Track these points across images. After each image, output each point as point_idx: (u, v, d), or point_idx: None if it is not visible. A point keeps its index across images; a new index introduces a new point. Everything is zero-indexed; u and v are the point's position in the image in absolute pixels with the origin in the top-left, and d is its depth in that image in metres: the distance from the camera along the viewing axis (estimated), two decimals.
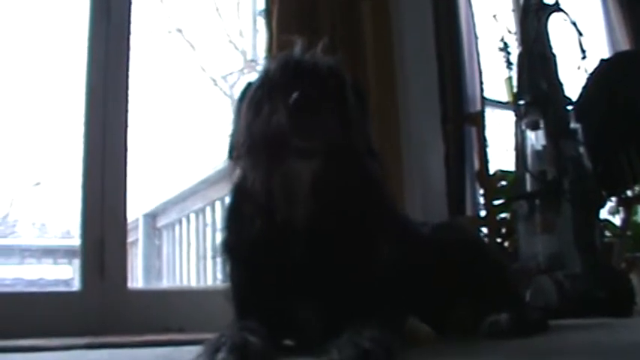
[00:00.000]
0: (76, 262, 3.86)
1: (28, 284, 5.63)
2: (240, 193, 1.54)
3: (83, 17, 2.77)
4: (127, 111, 2.76)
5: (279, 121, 1.38)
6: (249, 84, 1.59)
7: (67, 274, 5.92)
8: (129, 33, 2.81)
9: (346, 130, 1.45)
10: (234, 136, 1.57)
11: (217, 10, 7.25)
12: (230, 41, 7.15)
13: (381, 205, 1.56)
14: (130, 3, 2.83)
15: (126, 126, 2.75)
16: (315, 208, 1.44)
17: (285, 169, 1.40)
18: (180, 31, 7.08)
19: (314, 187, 1.42)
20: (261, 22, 2.96)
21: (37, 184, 6.80)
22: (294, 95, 1.35)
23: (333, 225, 1.44)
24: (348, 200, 1.46)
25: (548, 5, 3.25)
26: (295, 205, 1.44)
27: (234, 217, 1.57)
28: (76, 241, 2.89)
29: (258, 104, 1.49)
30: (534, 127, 3.06)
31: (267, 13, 2.85)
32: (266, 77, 1.53)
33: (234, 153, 1.54)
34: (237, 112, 1.58)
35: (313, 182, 1.41)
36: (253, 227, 1.48)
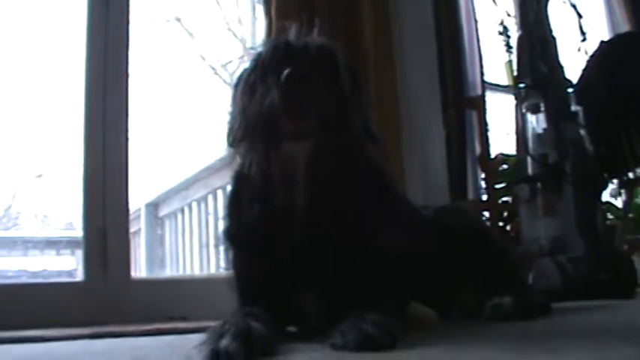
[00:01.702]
0: (79, 253, 3.86)
1: (31, 276, 5.63)
2: (240, 179, 1.54)
3: (82, 6, 2.77)
4: (127, 101, 2.76)
5: (272, 103, 1.38)
6: (244, 70, 1.59)
7: (70, 265, 5.93)
8: (128, 22, 2.80)
9: (340, 109, 1.44)
10: (231, 121, 1.57)
11: None
12: (229, 29, 7.14)
13: (380, 186, 1.56)
14: None
15: (126, 116, 2.75)
16: (313, 190, 1.44)
17: (280, 151, 1.40)
18: (179, 19, 7.06)
19: (310, 168, 1.42)
20: (260, 10, 2.95)
21: (39, 175, 6.80)
22: (285, 72, 1.35)
23: (333, 208, 1.44)
24: (346, 182, 1.46)
25: None
26: (293, 188, 1.44)
27: (235, 205, 1.57)
28: (78, 232, 2.89)
29: (251, 88, 1.49)
30: (535, 110, 3.05)
31: (266, 0, 2.84)
32: (258, 61, 1.53)
33: (232, 139, 1.54)
34: (233, 98, 1.58)
35: (308, 164, 1.41)
36: (253, 213, 1.48)
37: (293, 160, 1.41)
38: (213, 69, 7.00)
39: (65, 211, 7.03)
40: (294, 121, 1.37)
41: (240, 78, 1.59)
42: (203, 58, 7.13)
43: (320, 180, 1.43)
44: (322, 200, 1.44)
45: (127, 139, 2.74)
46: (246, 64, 1.61)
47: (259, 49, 1.60)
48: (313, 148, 1.40)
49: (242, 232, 1.54)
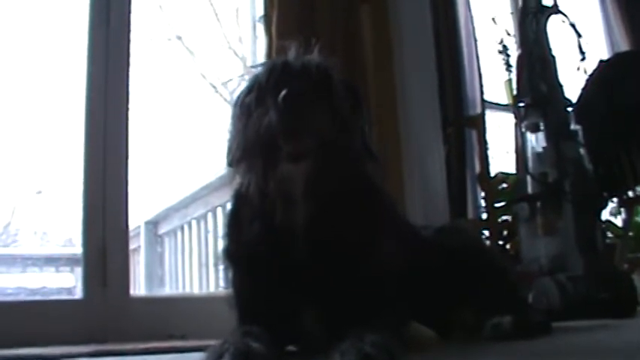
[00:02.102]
0: (79, 271, 3.86)
1: (30, 293, 5.62)
2: (239, 198, 1.54)
3: (83, 25, 2.78)
4: (127, 118, 2.77)
5: (269, 124, 1.38)
6: (243, 89, 1.60)
7: (69, 283, 5.92)
8: (129, 40, 2.81)
9: (337, 129, 1.44)
10: (230, 141, 1.57)
11: (216, 16, 7.26)
12: (230, 48, 7.16)
13: (379, 205, 1.56)
14: (129, 10, 2.83)
15: (127, 133, 2.76)
16: (312, 209, 1.44)
17: (278, 172, 1.40)
18: (179, 38, 7.09)
19: (308, 188, 1.42)
20: (261, 29, 2.96)
21: (39, 192, 6.80)
22: (282, 93, 1.35)
23: (332, 227, 1.44)
24: (345, 200, 1.46)
25: (547, 7, 3.25)
26: (292, 209, 1.44)
27: (235, 223, 1.57)
28: (78, 249, 2.89)
29: (249, 108, 1.50)
30: (534, 129, 3.06)
31: (266, 19, 2.85)
32: (256, 81, 1.53)
33: (231, 159, 1.54)
34: (232, 118, 1.59)
35: (307, 184, 1.41)
36: (252, 232, 1.49)
37: (291, 180, 1.41)
38: (214, 87, 7.02)
39: (64, 228, 7.03)
40: (292, 142, 1.37)
41: (238, 98, 1.59)
42: (204, 77, 7.16)
43: (319, 199, 1.43)
44: (321, 219, 1.44)
45: (127, 157, 2.74)
46: (246, 82, 1.62)
47: (257, 69, 1.60)
48: (311, 168, 1.40)
49: (241, 250, 1.54)
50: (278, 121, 1.36)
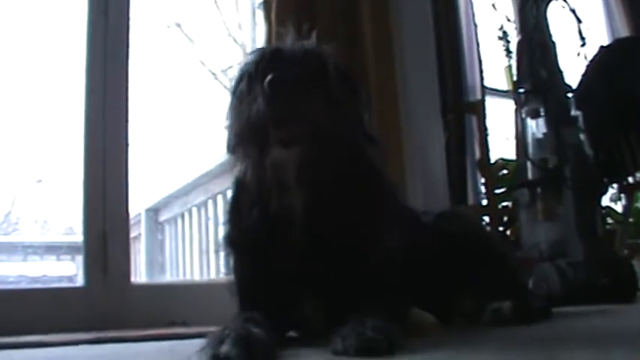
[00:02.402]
0: (79, 259, 3.86)
1: (31, 281, 5.63)
2: (239, 185, 1.54)
3: (82, 12, 2.77)
4: (127, 106, 2.76)
5: (258, 110, 1.38)
6: (236, 76, 1.60)
7: (70, 271, 5.93)
8: (128, 28, 2.81)
9: (331, 114, 1.44)
10: (228, 128, 1.57)
11: (216, 3, 7.24)
12: (229, 35, 7.14)
13: (378, 191, 1.56)
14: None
15: (126, 121, 2.75)
16: (308, 195, 1.44)
17: (269, 158, 1.40)
18: (179, 25, 7.07)
19: (301, 175, 1.41)
20: (260, 15, 2.95)
21: (39, 181, 6.81)
22: (267, 78, 1.35)
23: (329, 214, 1.44)
24: (343, 186, 1.46)
25: None
26: (288, 194, 1.44)
27: (235, 210, 1.57)
28: (78, 237, 2.89)
29: (241, 95, 1.50)
30: (535, 115, 3.05)
31: (266, 5, 2.85)
32: (246, 69, 1.53)
33: (229, 146, 1.54)
34: (229, 105, 1.59)
35: (299, 170, 1.41)
36: (251, 218, 1.49)
37: (283, 166, 1.41)
38: (214, 74, 7.00)
39: (65, 216, 7.03)
40: (281, 128, 1.37)
41: (232, 85, 1.59)
42: (203, 64, 7.13)
43: (314, 185, 1.43)
44: (318, 205, 1.44)
45: (127, 144, 2.74)
46: (238, 70, 1.62)
47: (251, 56, 1.60)
48: (302, 154, 1.39)
49: (242, 237, 1.54)
50: (265, 107, 1.36)
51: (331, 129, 1.42)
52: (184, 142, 6.89)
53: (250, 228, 1.49)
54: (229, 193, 1.64)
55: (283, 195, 1.44)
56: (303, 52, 1.51)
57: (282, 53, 1.51)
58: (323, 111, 1.42)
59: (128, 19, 2.82)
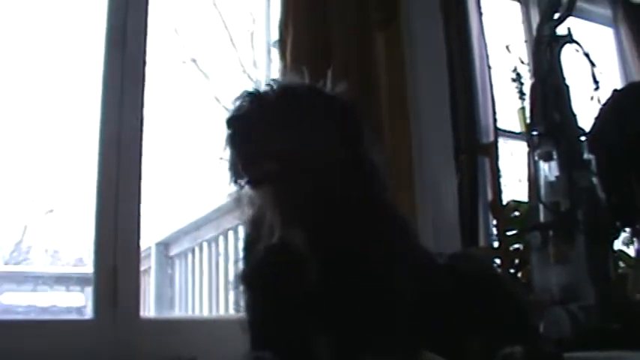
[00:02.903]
0: (89, 290, 3.86)
1: (41, 311, 5.64)
2: (250, 222, 1.55)
3: (99, 47, 2.80)
4: (141, 140, 2.77)
5: (232, 152, 1.39)
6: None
7: (79, 302, 5.93)
8: (144, 64, 2.83)
9: (306, 148, 1.43)
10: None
11: (231, 40, 7.31)
12: (244, 71, 7.20)
13: (387, 225, 1.55)
14: (145, 33, 2.85)
15: (140, 154, 2.76)
16: (304, 230, 1.43)
17: (248, 198, 1.41)
18: (194, 61, 7.13)
19: (280, 212, 1.41)
20: (275, 53, 2.98)
21: (51, 211, 6.83)
22: (227, 117, 1.36)
23: (331, 247, 1.43)
24: (347, 222, 1.45)
25: (560, 36, 3.26)
26: (286, 229, 1.44)
27: (247, 246, 1.58)
28: (88, 268, 2.89)
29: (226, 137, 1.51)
30: (547, 157, 3.05)
31: (281, 44, 2.87)
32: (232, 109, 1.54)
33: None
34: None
35: (277, 207, 1.41)
36: (258, 255, 1.49)
37: (263, 204, 1.42)
38: (228, 110, 7.04)
39: (76, 247, 7.04)
40: (248, 167, 1.38)
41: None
42: (218, 100, 7.19)
43: (304, 220, 1.42)
44: (320, 238, 1.43)
45: (139, 178, 2.75)
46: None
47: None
48: (275, 193, 1.39)
49: (251, 273, 1.55)
50: (229, 148, 1.37)
51: (311, 166, 1.41)
52: (197, 177, 6.91)
53: (258, 264, 1.49)
54: (241, 230, 1.65)
55: (283, 230, 1.44)
56: (281, 89, 1.51)
57: (256, 92, 1.52)
58: (299, 148, 1.41)
59: (145, 53, 2.84)
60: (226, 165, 1.45)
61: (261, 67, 3.47)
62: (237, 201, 1.54)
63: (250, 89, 1.54)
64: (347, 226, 1.45)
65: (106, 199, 2.67)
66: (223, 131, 1.42)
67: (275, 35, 3.02)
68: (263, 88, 1.53)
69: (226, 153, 1.41)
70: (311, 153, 1.43)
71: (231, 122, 1.37)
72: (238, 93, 1.58)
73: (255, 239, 1.52)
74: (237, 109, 1.44)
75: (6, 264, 6.73)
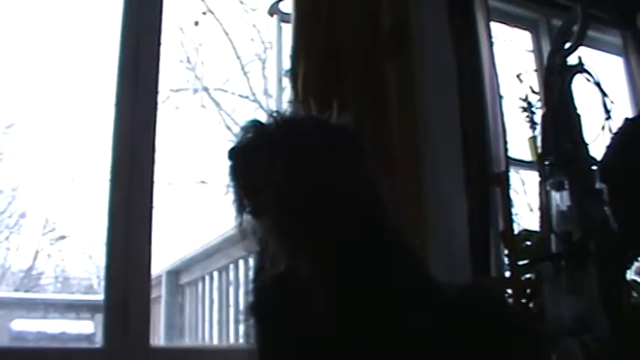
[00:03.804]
0: (99, 317, 3.86)
1: (51, 339, 5.64)
2: (256, 253, 1.55)
3: (111, 76, 2.83)
4: (153, 167, 2.79)
5: (234, 183, 1.40)
6: None
7: (89, 329, 5.94)
8: (156, 92, 2.85)
9: (304, 179, 1.43)
10: None
11: (243, 69, 7.35)
12: (255, 100, 7.23)
13: (394, 256, 1.54)
14: (158, 60, 2.88)
15: (152, 182, 2.77)
16: (307, 261, 1.43)
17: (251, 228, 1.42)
18: (206, 89, 7.18)
19: (281, 243, 1.42)
20: (287, 83, 2.99)
21: (62, 237, 6.85)
22: (228, 149, 1.38)
23: (336, 278, 1.43)
24: (345, 250, 1.44)
25: (571, 66, 3.27)
26: (292, 261, 1.44)
27: (256, 277, 1.58)
28: (98, 296, 2.89)
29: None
30: (559, 187, 3.05)
31: (293, 74, 2.88)
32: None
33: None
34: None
35: (277, 238, 1.41)
36: (265, 285, 1.49)
37: (265, 234, 1.42)
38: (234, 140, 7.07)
39: (86, 275, 7.05)
40: (249, 198, 1.39)
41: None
42: (229, 129, 7.22)
43: (305, 251, 1.42)
44: (325, 270, 1.43)
45: (151, 206, 2.76)
46: None
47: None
48: (272, 223, 1.40)
49: (259, 303, 1.55)
50: (230, 178, 1.39)
51: (307, 193, 1.41)
52: (208, 206, 6.93)
53: (263, 294, 1.49)
54: (251, 259, 1.65)
55: (287, 260, 1.44)
56: (284, 120, 1.52)
57: (261, 124, 1.53)
58: (296, 176, 1.41)
59: (157, 81, 2.86)
60: (231, 195, 1.46)
61: (273, 95, 3.49)
62: (242, 231, 1.53)
63: (253, 121, 1.55)
64: (352, 257, 1.44)
65: (117, 226, 2.68)
66: (226, 162, 1.44)
67: (287, 64, 3.03)
68: (267, 119, 1.54)
69: (230, 183, 1.42)
70: (312, 183, 1.43)
71: (231, 153, 1.39)
72: (243, 124, 1.59)
73: (262, 269, 1.52)
74: (239, 141, 1.45)
75: (16, 290, 6.74)
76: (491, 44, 3.71)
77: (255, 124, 1.51)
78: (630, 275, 3.64)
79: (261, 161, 1.39)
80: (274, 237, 1.41)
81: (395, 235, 1.57)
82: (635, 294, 3.81)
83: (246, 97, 7.42)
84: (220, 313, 4.88)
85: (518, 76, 3.74)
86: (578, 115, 3.17)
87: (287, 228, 1.39)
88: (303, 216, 1.40)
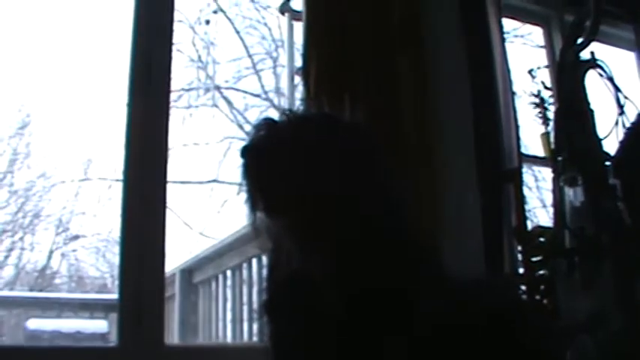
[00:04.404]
0: (113, 316, 3.88)
1: (65, 338, 5.67)
2: (269, 251, 1.56)
3: (123, 77, 2.84)
4: (166, 166, 2.79)
5: (247, 182, 1.40)
6: None
7: (103, 328, 5.97)
8: (169, 91, 2.86)
9: (321, 178, 1.43)
10: None
11: (255, 66, 7.36)
12: (267, 98, 7.24)
13: (407, 254, 1.53)
14: (169, 61, 2.88)
15: (165, 181, 2.78)
16: (319, 259, 1.43)
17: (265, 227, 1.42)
18: (218, 87, 7.19)
19: (299, 240, 1.42)
20: (299, 80, 2.99)
21: (75, 237, 6.88)
22: (240, 148, 1.38)
23: (350, 276, 1.43)
24: (357, 249, 1.43)
25: (584, 61, 3.25)
26: (297, 260, 1.44)
27: (269, 276, 1.58)
28: (112, 295, 2.91)
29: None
30: (572, 183, 3.04)
31: (304, 71, 2.88)
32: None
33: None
34: None
35: (292, 236, 1.41)
36: (277, 284, 1.49)
37: (280, 233, 1.42)
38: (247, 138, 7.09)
39: (100, 274, 7.08)
40: (263, 197, 1.39)
41: None
42: (241, 127, 7.23)
43: (318, 250, 1.42)
44: (340, 269, 1.43)
45: (165, 204, 2.76)
46: None
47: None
48: (288, 222, 1.40)
49: (272, 302, 1.55)
50: (244, 177, 1.39)
51: (322, 192, 1.41)
52: (221, 204, 6.94)
53: (277, 293, 1.50)
54: (264, 258, 1.65)
55: (302, 258, 1.44)
56: (297, 118, 1.52)
57: (275, 121, 1.52)
58: (311, 175, 1.41)
59: (169, 81, 2.87)
60: (244, 194, 1.46)
61: (285, 93, 3.49)
62: (255, 230, 1.54)
63: (266, 118, 1.54)
64: (366, 257, 1.44)
65: (130, 226, 2.69)
66: (238, 160, 1.44)
67: (298, 61, 3.03)
68: (280, 117, 1.54)
69: (242, 182, 1.42)
70: (326, 182, 1.43)
71: (244, 152, 1.39)
72: (256, 122, 1.59)
73: (276, 268, 1.52)
74: (252, 139, 1.45)
75: (31, 290, 6.78)
76: (503, 40, 3.70)
77: (268, 122, 1.51)
78: None
79: (274, 160, 1.39)
80: (288, 236, 1.41)
81: (410, 234, 1.56)
82: None
83: (258, 96, 7.43)
84: (234, 312, 4.90)
85: (530, 72, 3.72)
86: (592, 111, 3.16)
87: (301, 227, 1.39)
88: (317, 215, 1.40)
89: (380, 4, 3.07)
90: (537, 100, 3.61)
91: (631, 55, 4.79)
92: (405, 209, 1.58)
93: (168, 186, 2.79)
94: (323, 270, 1.41)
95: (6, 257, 6.68)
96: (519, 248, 3.53)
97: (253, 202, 1.42)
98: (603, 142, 3.17)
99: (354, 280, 1.40)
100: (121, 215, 2.70)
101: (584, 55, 3.30)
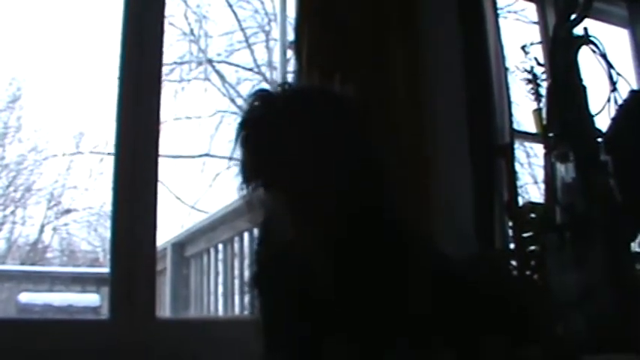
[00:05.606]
0: (105, 290, 3.88)
1: (57, 311, 5.68)
2: (260, 224, 1.56)
3: (115, 50, 2.82)
4: (157, 141, 2.78)
5: (243, 155, 1.40)
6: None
7: (95, 302, 5.98)
8: (160, 64, 2.84)
9: (316, 154, 1.42)
10: None
11: (247, 40, 7.32)
12: (259, 72, 7.22)
13: (393, 226, 1.54)
14: (161, 35, 2.87)
15: (156, 155, 2.77)
16: (317, 235, 1.43)
17: (260, 200, 1.42)
18: (210, 61, 7.16)
19: (293, 213, 1.42)
20: (291, 54, 2.98)
21: (67, 211, 6.87)
22: (238, 121, 1.37)
23: (340, 252, 1.43)
24: (346, 221, 1.44)
25: (577, 37, 3.25)
26: (290, 233, 1.44)
27: (258, 249, 1.58)
28: (104, 268, 2.91)
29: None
30: (564, 159, 3.04)
31: (297, 45, 2.87)
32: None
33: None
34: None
35: (290, 209, 1.41)
36: (268, 257, 1.49)
37: (274, 206, 1.42)
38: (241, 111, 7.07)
39: (92, 247, 7.09)
40: (258, 170, 1.38)
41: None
42: (233, 101, 7.21)
43: (312, 225, 1.42)
44: (332, 242, 1.43)
45: (156, 178, 2.76)
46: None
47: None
48: (289, 194, 1.39)
49: (262, 275, 1.55)
50: (241, 150, 1.38)
51: (318, 166, 1.41)
52: (213, 177, 6.94)
53: (267, 265, 1.50)
54: (256, 231, 1.65)
55: (294, 232, 1.44)
56: (292, 91, 1.51)
57: (270, 94, 1.51)
58: (307, 149, 1.41)
59: (161, 54, 2.85)
60: (237, 167, 1.45)
61: (277, 67, 3.47)
62: (248, 203, 1.53)
63: (261, 90, 1.53)
64: (359, 229, 1.44)
65: (122, 199, 2.68)
66: (234, 133, 1.43)
67: (291, 35, 3.02)
68: (275, 89, 1.53)
69: (237, 155, 1.41)
70: (320, 154, 1.42)
71: (241, 124, 1.38)
72: (251, 93, 1.58)
73: (266, 241, 1.52)
74: (249, 112, 1.44)
75: (23, 264, 6.79)
76: (496, 16, 3.69)
77: (265, 94, 1.50)
78: (635, 247, 3.65)
79: (273, 133, 1.38)
80: (283, 207, 1.41)
81: (398, 208, 1.57)
82: (639, 266, 3.82)
83: (250, 69, 7.41)
84: (225, 285, 4.91)
85: (523, 48, 3.71)
86: (584, 87, 3.16)
87: (298, 198, 1.39)
88: (315, 186, 1.40)
89: None
90: (530, 76, 3.61)
91: (624, 32, 4.78)
92: (394, 184, 1.59)
93: (160, 160, 2.78)
94: (313, 243, 1.42)
95: None
96: (510, 224, 3.54)
97: (249, 175, 1.41)
98: (595, 119, 3.17)
99: (345, 250, 1.41)
100: (113, 189, 2.70)
101: (578, 31, 3.30)
